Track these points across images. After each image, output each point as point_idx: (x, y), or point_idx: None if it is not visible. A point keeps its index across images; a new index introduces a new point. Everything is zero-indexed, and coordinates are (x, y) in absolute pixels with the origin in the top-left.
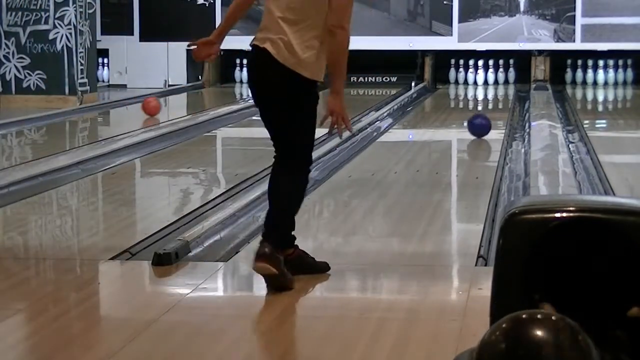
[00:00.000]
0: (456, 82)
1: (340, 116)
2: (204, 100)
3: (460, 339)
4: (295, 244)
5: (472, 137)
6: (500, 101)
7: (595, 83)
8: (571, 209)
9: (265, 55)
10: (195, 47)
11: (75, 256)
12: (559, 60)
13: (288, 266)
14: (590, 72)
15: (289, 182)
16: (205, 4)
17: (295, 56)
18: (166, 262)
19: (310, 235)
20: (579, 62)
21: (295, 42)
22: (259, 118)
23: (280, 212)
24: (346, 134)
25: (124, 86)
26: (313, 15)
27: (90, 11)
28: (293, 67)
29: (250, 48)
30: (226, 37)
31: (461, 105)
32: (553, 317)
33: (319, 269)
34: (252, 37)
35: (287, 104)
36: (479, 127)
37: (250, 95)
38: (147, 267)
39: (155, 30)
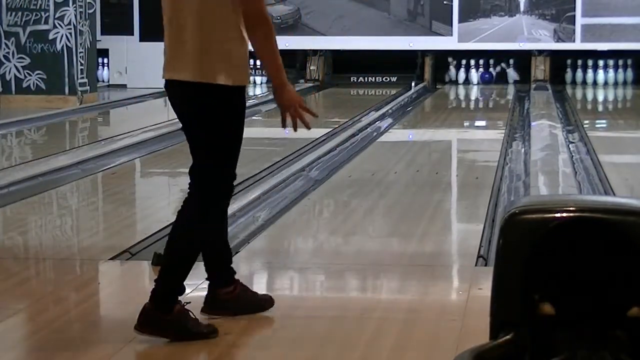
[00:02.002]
0: (456, 82)
1: (298, 107)
2: None
3: (460, 339)
4: (236, 278)
5: (472, 137)
6: (500, 101)
7: (595, 83)
8: (571, 209)
9: None
10: None
11: (75, 256)
12: (559, 60)
13: (229, 306)
14: (590, 72)
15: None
16: None
17: None
18: None
19: (310, 235)
20: (579, 62)
21: None
22: (259, 118)
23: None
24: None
25: (124, 86)
26: None
27: (90, 11)
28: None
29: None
30: None
31: (461, 105)
32: None
33: (263, 306)
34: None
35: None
36: (488, 80)
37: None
38: (147, 267)
39: (155, 30)
